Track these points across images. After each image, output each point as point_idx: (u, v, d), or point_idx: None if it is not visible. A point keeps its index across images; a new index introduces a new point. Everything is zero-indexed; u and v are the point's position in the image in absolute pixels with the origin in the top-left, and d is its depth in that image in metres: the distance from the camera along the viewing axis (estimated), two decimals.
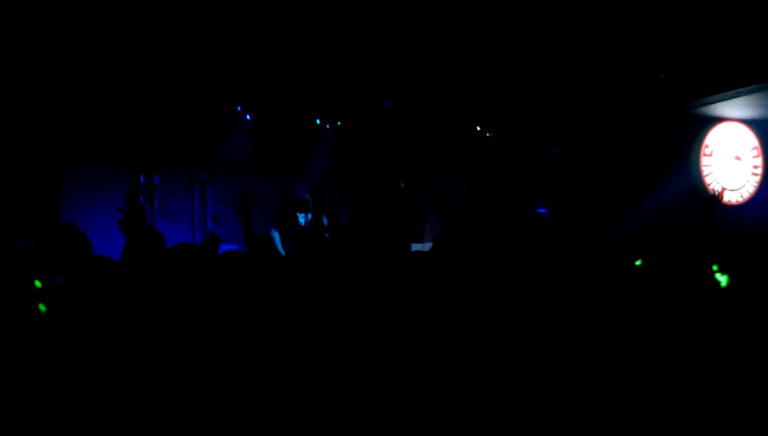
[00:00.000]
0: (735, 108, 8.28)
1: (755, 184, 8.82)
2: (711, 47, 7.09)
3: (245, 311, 2.86)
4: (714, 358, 2.65)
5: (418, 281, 3.08)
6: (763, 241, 3.29)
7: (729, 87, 7.56)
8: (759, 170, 8.85)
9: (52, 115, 7.97)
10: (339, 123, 10.24)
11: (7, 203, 7.49)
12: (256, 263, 3.29)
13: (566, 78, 8.20)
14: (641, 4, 6.66)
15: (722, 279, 3.32)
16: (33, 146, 7.94)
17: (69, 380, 2.48)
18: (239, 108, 9.39)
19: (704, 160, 8.57)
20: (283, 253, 6.80)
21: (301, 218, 8.20)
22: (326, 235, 4.65)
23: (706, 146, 8.60)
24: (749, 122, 8.79)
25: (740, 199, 8.74)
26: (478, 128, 10.28)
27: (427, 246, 5.03)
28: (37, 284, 3.08)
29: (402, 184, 10.68)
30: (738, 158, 8.76)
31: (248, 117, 9.54)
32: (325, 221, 4.85)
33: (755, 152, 8.86)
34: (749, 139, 8.85)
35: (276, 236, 7.68)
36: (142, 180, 9.13)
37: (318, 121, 10.09)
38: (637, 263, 3.54)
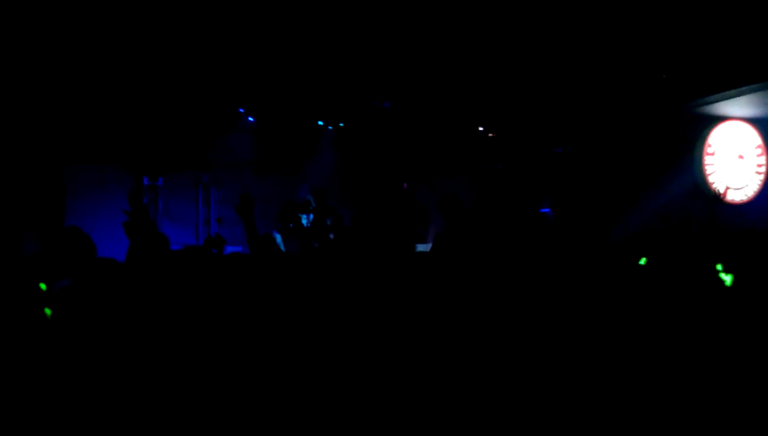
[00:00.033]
0: (738, 107, 8.27)
1: (759, 182, 8.79)
2: (713, 46, 7.08)
3: (250, 313, 2.87)
4: (719, 356, 2.65)
5: (423, 281, 3.09)
6: (766, 240, 3.29)
7: (732, 86, 7.55)
8: (763, 169, 8.82)
9: (56, 118, 8.00)
10: (341, 124, 10.25)
11: (12, 206, 7.52)
12: (260, 265, 3.29)
13: (568, 78, 8.20)
14: (643, 4, 6.65)
15: (726, 278, 3.31)
16: (37, 149, 7.97)
17: (75, 383, 2.49)
18: (242, 109, 9.41)
19: (707, 160, 8.54)
20: None
21: (303, 219, 8.21)
22: (330, 236, 4.64)
23: (709, 145, 8.58)
24: (753, 121, 8.77)
25: (744, 198, 8.70)
26: (481, 129, 10.28)
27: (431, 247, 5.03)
28: (42, 286, 3.09)
29: (405, 185, 10.69)
30: (741, 157, 8.74)
31: (251, 119, 9.55)
32: (328, 222, 4.86)
33: (759, 151, 8.83)
34: (753, 137, 8.83)
35: (278, 238, 7.68)
36: (145, 182, 9.16)
37: (320, 123, 10.11)
38: (641, 262, 3.55)
